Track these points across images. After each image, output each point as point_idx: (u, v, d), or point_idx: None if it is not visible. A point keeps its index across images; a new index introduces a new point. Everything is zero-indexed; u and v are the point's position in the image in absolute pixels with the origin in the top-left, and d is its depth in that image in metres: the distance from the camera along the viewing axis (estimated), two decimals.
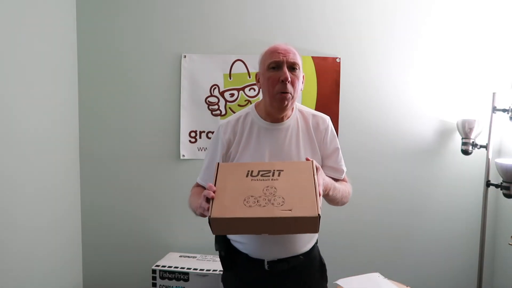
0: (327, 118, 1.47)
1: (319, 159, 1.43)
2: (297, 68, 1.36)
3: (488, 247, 2.35)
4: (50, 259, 2.27)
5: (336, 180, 1.43)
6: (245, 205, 1.16)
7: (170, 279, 2.20)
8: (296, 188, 1.19)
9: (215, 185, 1.22)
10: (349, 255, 2.47)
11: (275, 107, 1.37)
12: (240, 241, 1.43)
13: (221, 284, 2.10)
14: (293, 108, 1.45)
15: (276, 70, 1.34)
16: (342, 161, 1.48)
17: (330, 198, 1.37)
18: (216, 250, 1.49)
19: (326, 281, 1.53)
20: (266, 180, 1.23)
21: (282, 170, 1.25)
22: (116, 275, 2.57)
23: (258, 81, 1.42)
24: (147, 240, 2.55)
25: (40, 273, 2.18)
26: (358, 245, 2.48)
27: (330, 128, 1.45)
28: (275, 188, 1.20)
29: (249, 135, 1.41)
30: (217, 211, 1.15)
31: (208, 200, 1.19)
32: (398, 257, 2.49)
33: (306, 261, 1.43)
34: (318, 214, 1.12)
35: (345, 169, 1.49)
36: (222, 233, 1.22)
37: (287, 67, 1.33)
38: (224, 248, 1.46)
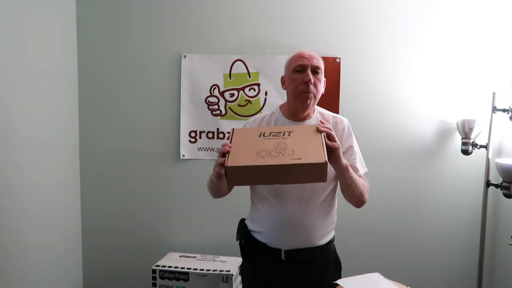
0: (345, 120, 1.58)
1: None
2: (320, 72, 1.47)
3: (488, 247, 2.35)
4: (50, 259, 2.27)
5: None
6: (258, 156, 1.26)
7: (170, 279, 2.20)
8: (305, 144, 1.29)
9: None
10: (349, 255, 2.45)
11: (298, 106, 1.48)
12: (259, 231, 1.52)
13: (221, 284, 2.12)
14: (314, 109, 1.55)
15: (301, 73, 1.45)
16: (358, 159, 1.54)
17: (344, 176, 1.40)
18: (237, 240, 1.58)
19: (340, 278, 1.56)
20: (277, 138, 1.33)
21: (292, 132, 1.35)
22: (116, 275, 2.57)
23: (283, 83, 1.54)
24: (147, 240, 2.55)
25: (40, 273, 2.18)
26: (358, 245, 2.48)
27: (347, 128, 1.55)
28: (285, 144, 1.30)
29: None
30: (232, 161, 1.25)
31: (224, 155, 1.28)
32: (398, 257, 2.48)
33: (321, 254, 1.52)
34: (325, 161, 1.21)
35: (360, 168, 1.53)
36: (237, 183, 1.33)
37: (311, 71, 1.44)
38: (245, 237, 1.55)
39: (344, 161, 1.36)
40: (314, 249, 1.49)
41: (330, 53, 2.40)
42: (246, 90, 2.46)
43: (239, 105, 2.46)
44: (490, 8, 2.34)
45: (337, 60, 2.40)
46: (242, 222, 1.62)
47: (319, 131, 1.31)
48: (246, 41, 2.43)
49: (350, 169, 1.40)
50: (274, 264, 1.49)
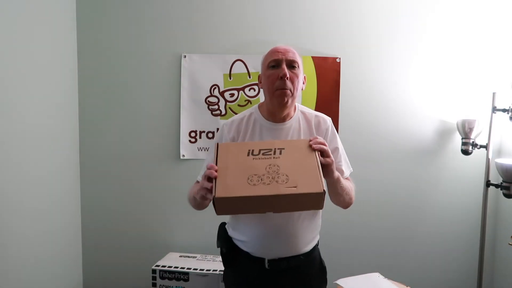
0: (328, 119, 1.48)
1: None
2: (296, 66, 1.37)
3: (488, 247, 2.35)
4: (51, 259, 2.27)
5: None
6: (249, 183, 1.14)
7: (170, 279, 2.20)
8: (299, 166, 1.18)
9: (216, 165, 1.20)
10: (349, 255, 2.47)
11: (275, 104, 1.38)
12: (241, 240, 1.45)
13: (221, 284, 2.12)
14: (295, 108, 1.46)
15: (276, 68, 1.36)
16: (343, 161, 1.46)
17: (335, 187, 1.34)
18: (218, 247, 1.51)
19: (326, 283, 1.54)
20: (268, 158, 1.21)
21: (283, 148, 1.24)
22: (116, 275, 2.57)
23: (260, 81, 1.45)
24: (147, 240, 2.55)
25: (41, 273, 2.18)
26: (358, 245, 2.48)
27: (330, 128, 1.46)
28: (277, 166, 1.19)
29: (252, 134, 1.43)
30: (222, 191, 1.13)
31: (210, 179, 1.17)
32: (398, 257, 2.49)
33: (306, 261, 1.44)
34: (323, 190, 1.12)
35: (345, 169, 1.46)
36: (226, 213, 1.21)
37: (286, 65, 1.35)
38: (226, 245, 1.48)
39: (336, 174, 1.29)
40: (298, 257, 1.42)
41: (330, 53, 2.40)
42: (246, 90, 2.46)
43: (239, 105, 2.46)
44: (490, 8, 2.34)
45: (337, 60, 2.40)
46: (222, 228, 1.54)
47: (312, 148, 1.21)
48: (246, 41, 2.43)
49: (341, 179, 1.33)
50: (257, 272, 1.43)
